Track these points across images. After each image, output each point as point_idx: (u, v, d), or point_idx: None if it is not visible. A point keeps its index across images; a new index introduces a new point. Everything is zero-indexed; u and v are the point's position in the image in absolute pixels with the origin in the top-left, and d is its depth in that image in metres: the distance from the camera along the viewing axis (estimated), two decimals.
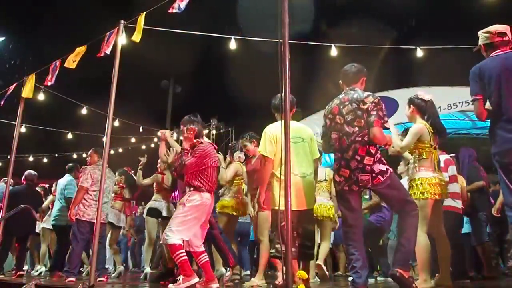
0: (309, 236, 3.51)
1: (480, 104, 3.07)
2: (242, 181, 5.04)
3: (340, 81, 3.40)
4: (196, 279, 3.51)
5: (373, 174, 3.03)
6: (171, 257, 4.53)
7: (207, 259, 3.75)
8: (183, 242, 3.58)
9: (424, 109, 3.73)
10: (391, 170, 3.13)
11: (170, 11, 4.22)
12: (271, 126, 3.62)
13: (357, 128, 3.09)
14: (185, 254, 3.54)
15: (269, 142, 3.49)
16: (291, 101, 3.27)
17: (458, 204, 4.45)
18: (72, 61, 4.97)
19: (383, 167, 3.06)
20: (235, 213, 4.97)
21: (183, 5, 4.19)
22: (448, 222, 3.78)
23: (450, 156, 5.17)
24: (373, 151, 3.07)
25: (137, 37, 4.44)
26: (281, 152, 3.24)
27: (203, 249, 3.80)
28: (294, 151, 3.26)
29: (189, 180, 3.72)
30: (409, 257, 3.09)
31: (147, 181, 5.89)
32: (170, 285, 3.55)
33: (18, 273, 6.02)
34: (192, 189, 3.70)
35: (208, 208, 3.72)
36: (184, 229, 3.56)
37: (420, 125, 3.63)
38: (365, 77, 3.37)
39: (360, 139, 3.07)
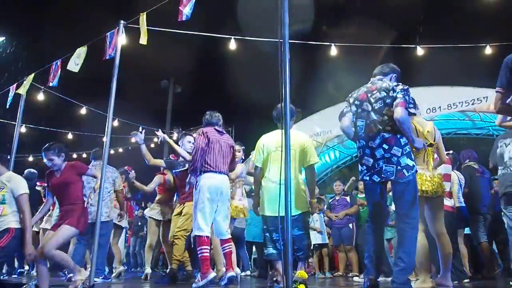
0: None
1: (496, 97, 2.65)
2: (243, 183, 5.04)
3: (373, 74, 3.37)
4: (213, 274, 3.60)
5: (399, 167, 2.92)
6: (176, 258, 4.56)
7: (230, 249, 3.85)
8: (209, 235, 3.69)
9: None
10: (417, 168, 3.04)
11: (179, 20, 4.22)
12: (264, 136, 3.70)
13: (386, 117, 3.01)
14: (207, 250, 3.63)
15: (258, 152, 3.63)
16: (291, 109, 3.30)
17: (450, 202, 4.44)
18: (75, 64, 4.96)
19: (410, 162, 2.97)
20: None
21: (187, 11, 4.16)
22: None
23: (447, 154, 5.16)
24: (402, 143, 2.98)
25: (143, 39, 4.44)
26: (268, 160, 3.49)
27: (227, 236, 3.87)
28: (276, 158, 3.31)
29: None
30: (408, 273, 2.95)
31: (151, 185, 5.73)
32: (194, 284, 3.66)
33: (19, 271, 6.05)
34: None
35: (211, 188, 3.74)
36: (199, 216, 3.67)
37: None
38: (395, 75, 3.34)
39: (389, 128, 2.99)
